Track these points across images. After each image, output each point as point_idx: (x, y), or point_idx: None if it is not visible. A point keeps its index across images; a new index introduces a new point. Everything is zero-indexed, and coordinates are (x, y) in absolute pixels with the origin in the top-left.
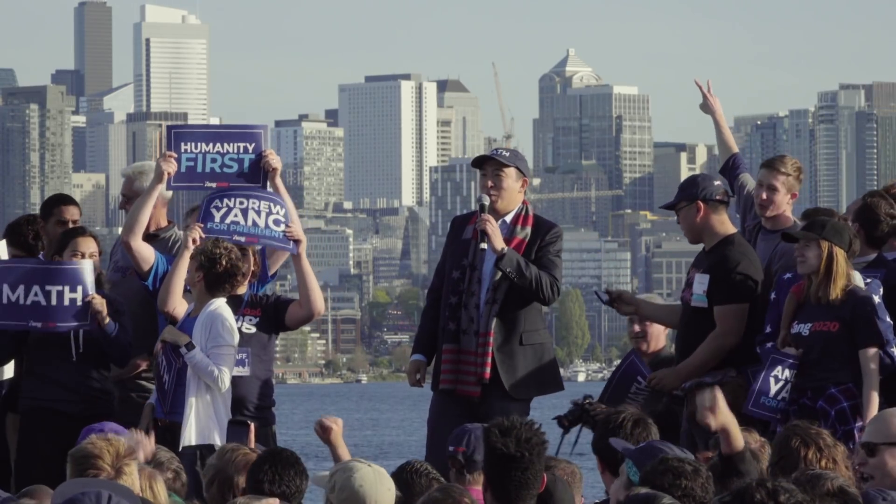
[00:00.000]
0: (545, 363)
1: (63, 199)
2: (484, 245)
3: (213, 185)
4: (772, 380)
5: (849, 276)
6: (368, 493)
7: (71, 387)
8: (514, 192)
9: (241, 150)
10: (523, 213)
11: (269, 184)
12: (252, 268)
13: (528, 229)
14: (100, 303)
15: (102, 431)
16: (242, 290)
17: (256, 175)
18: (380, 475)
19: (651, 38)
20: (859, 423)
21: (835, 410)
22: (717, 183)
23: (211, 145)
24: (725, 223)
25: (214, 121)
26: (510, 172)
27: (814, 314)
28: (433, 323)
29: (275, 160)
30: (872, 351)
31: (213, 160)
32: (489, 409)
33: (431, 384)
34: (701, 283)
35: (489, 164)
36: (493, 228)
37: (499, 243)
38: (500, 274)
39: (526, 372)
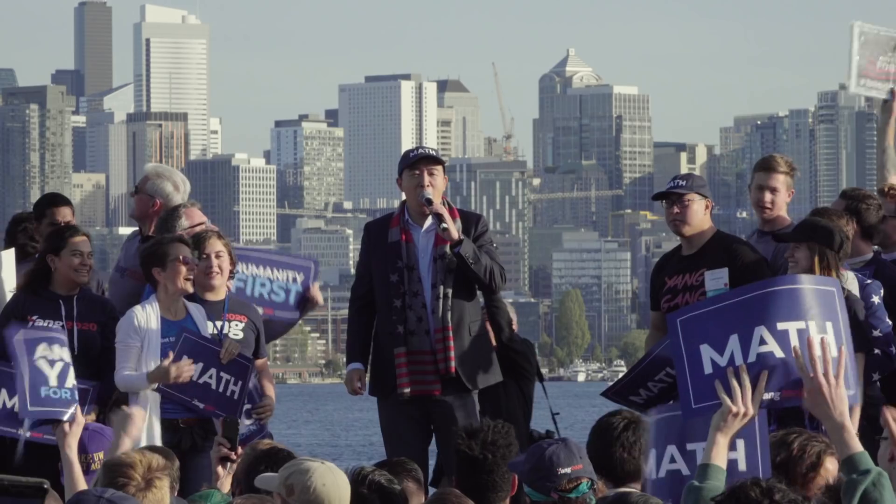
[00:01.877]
0: (487, 353)
1: (55, 200)
2: (445, 225)
3: (261, 310)
4: None
5: (839, 278)
6: (332, 492)
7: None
8: (441, 190)
9: (290, 280)
10: (448, 207)
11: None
12: (230, 267)
13: (458, 222)
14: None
15: (87, 430)
16: (221, 294)
17: (298, 306)
18: (336, 472)
19: (651, 38)
20: None
21: None
22: None
23: (262, 269)
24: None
25: (214, 121)
26: (440, 170)
27: None
28: (366, 330)
29: (318, 297)
30: (860, 356)
31: (263, 285)
32: (444, 404)
33: (370, 390)
34: (717, 277)
35: (423, 163)
36: (450, 217)
37: (455, 232)
38: (448, 264)
39: (475, 362)
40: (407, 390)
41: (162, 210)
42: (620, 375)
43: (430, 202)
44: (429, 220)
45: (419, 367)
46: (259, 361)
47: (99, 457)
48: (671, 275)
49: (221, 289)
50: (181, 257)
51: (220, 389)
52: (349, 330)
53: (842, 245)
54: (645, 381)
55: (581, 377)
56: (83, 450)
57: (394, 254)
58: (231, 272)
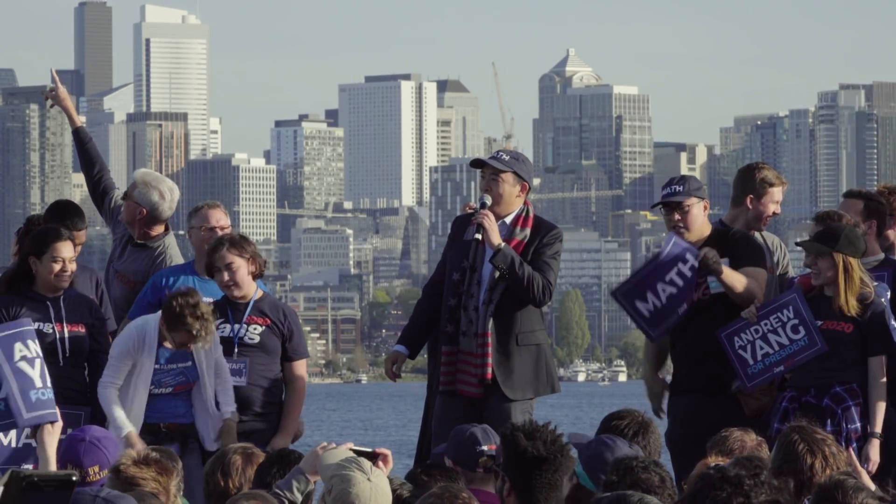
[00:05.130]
0: (541, 365)
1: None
2: (479, 235)
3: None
4: (741, 353)
5: (863, 284)
6: None
7: (58, 391)
8: (511, 197)
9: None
10: (524, 214)
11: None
12: (252, 269)
13: (528, 231)
14: None
15: (84, 441)
16: (248, 297)
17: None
18: (377, 490)
19: (651, 38)
20: (858, 424)
21: (841, 409)
22: None
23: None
24: None
25: (214, 121)
26: (507, 177)
27: (828, 312)
28: (424, 316)
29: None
30: (883, 359)
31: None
32: (490, 409)
33: (429, 385)
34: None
35: (486, 168)
36: (491, 223)
37: (495, 239)
38: (497, 274)
39: (522, 373)
40: (443, 388)
41: (148, 217)
42: (620, 376)
43: (483, 206)
44: (498, 223)
45: (463, 368)
46: (295, 363)
47: (94, 470)
48: None
49: (249, 292)
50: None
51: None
52: (412, 313)
53: (865, 249)
54: (655, 282)
55: (581, 377)
56: (77, 463)
57: (463, 252)
58: (258, 274)
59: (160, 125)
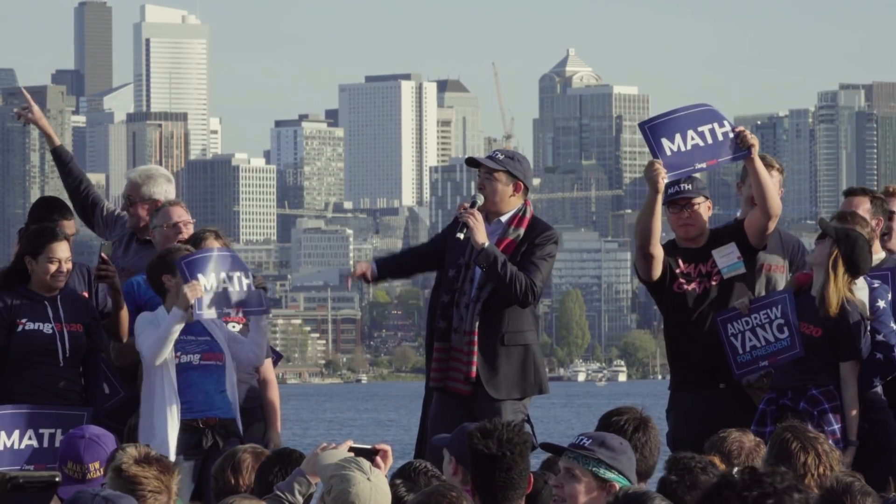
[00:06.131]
0: (528, 365)
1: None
2: (460, 235)
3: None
4: (732, 340)
5: (843, 292)
6: None
7: (60, 392)
8: (505, 196)
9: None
10: (520, 213)
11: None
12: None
13: (522, 230)
14: None
15: (84, 438)
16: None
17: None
18: (376, 489)
19: (651, 38)
20: (836, 427)
21: (817, 411)
22: None
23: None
24: None
25: (214, 121)
26: (500, 176)
27: (803, 314)
28: (407, 255)
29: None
30: (852, 364)
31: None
32: (481, 408)
33: (427, 384)
34: (728, 253)
35: (481, 167)
36: (476, 223)
37: (480, 238)
38: (482, 274)
39: (507, 372)
40: (434, 384)
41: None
42: (620, 376)
43: (473, 204)
44: (493, 223)
45: (453, 365)
46: (266, 360)
47: (94, 466)
48: (684, 260)
49: None
50: None
51: (238, 288)
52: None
53: (859, 266)
54: (687, 127)
55: (581, 377)
56: (78, 459)
57: (460, 250)
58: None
59: (160, 125)
